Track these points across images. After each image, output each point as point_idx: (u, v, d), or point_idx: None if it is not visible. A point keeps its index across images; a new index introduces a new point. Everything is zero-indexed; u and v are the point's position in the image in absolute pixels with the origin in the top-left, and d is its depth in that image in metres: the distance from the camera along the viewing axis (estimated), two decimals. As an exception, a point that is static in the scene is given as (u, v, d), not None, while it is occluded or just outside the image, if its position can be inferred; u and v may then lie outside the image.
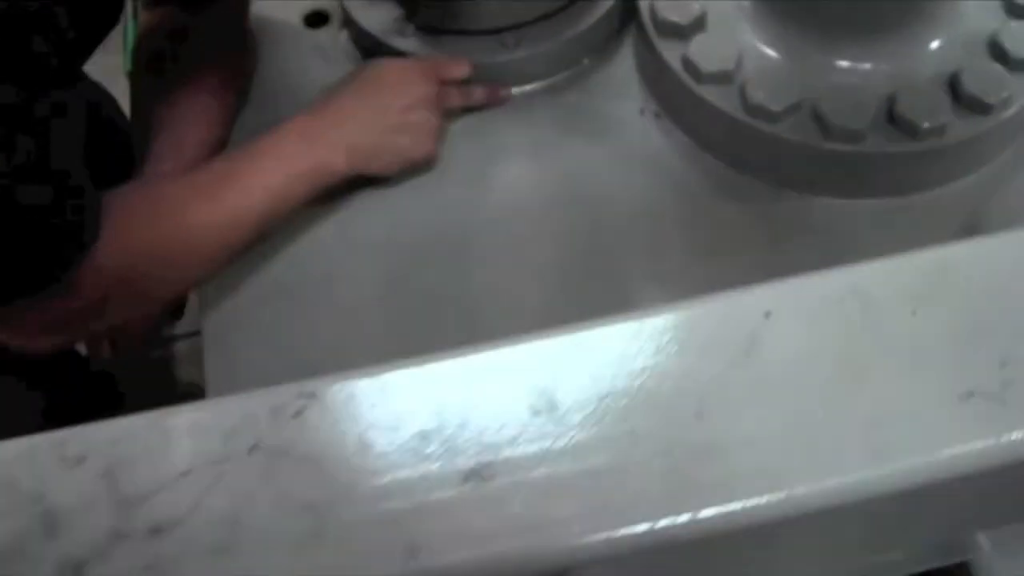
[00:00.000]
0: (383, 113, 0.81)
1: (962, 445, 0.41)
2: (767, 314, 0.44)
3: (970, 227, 0.80)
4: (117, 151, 0.91)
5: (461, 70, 0.86)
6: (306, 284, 0.80)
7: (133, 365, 1.29)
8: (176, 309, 1.01)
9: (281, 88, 0.92)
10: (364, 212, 0.84)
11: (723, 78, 0.80)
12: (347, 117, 0.80)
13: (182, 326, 1.29)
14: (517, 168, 0.86)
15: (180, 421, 0.42)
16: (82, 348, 1.05)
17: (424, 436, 0.41)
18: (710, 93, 0.80)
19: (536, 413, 0.41)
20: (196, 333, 0.82)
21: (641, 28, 0.86)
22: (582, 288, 0.79)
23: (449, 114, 0.86)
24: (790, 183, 0.81)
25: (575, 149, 0.86)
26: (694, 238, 0.82)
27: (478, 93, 0.87)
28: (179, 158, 0.80)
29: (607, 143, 0.86)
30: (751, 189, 0.82)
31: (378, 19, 0.89)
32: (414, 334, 0.78)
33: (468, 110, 0.88)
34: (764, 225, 0.81)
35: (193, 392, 1.37)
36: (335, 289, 0.80)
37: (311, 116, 0.80)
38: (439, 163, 0.86)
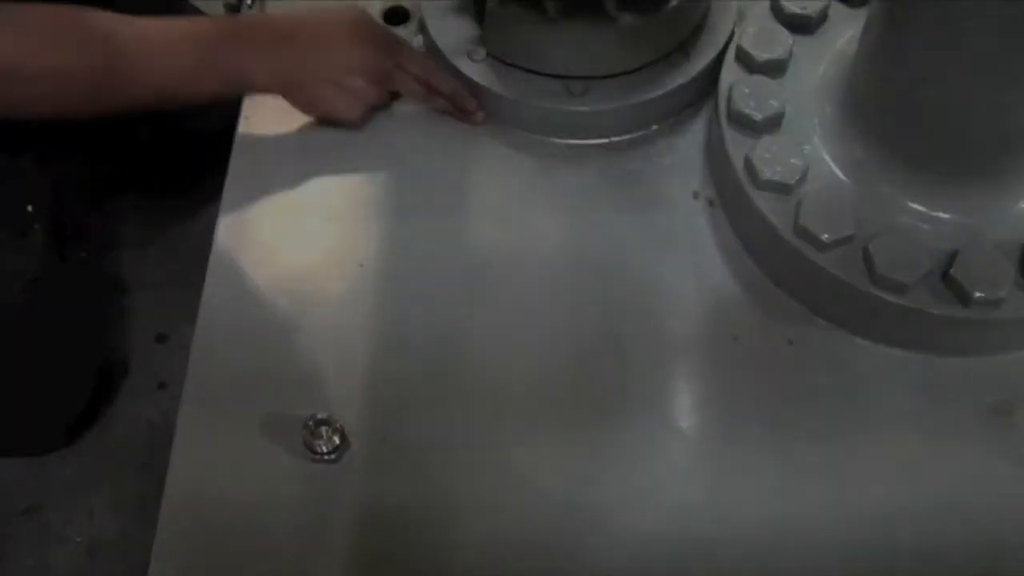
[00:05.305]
0: (324, 63, 0.82)
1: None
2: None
3: (1003, 407, 0.74)
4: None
5: (437, 79, 0.85)
6: (309, 297, 0.79)
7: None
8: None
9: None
10: (381, 228, 0.82)
11: (781, 189, 0.75)
12: (292, 45, 0.81)
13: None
14: (550, 220, 0.82)
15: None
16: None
17: None
18: (764, 200, 0.75)
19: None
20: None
21: (716, 109, 0.81)
22: (583, 362, 0.76)
23: (397, 96, 0.86)
24: (824, 313, 0.76)
25: (616, 217, 0.82)
26: (712, 341, 0.77)
27: (440, 102, 0.85)
28: None
29: (650, 219, 0.82)
30: (784, 308, 0.78)
31: (452, 36, 0.85)
32: (404, 358, 0.76)
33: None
34: (787, 348, 0.76)
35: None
36: (333, 299, 0.79)
37: (265, 24, 0.83)
38: (470, 196, 0.84)
